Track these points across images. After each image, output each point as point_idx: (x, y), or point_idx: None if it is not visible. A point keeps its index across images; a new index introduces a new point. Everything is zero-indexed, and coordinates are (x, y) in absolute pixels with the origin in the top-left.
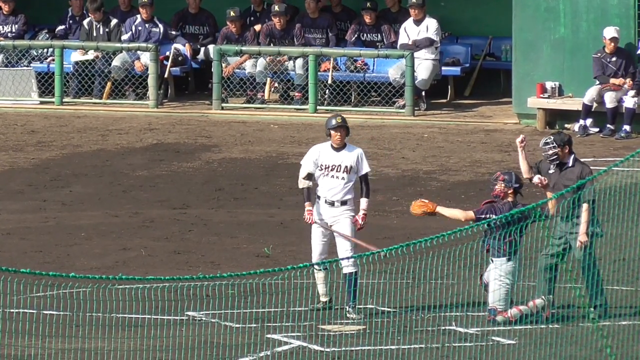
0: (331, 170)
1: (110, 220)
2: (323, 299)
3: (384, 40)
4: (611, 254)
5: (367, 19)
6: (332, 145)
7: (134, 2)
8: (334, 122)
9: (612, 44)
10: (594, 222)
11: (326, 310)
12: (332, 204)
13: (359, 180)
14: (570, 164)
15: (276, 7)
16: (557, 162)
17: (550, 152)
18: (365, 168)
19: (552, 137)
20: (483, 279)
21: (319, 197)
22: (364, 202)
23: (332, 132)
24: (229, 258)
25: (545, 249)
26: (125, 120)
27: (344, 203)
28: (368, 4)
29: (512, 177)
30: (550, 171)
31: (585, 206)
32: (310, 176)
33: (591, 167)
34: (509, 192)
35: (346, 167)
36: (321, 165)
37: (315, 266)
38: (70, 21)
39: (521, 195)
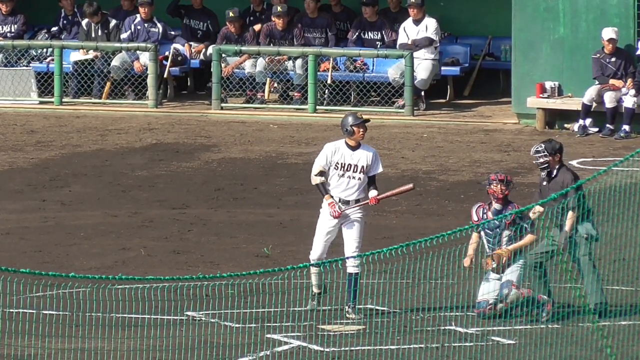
0: (347, 170)
1: (109, 220)
2: (316, 290)
3: (385, 38)
4: (611, 254)
5: (366, 14)
6: (348, 144)
7: (136, 2)
8: (351, 119)
9: (611, 45)
10: (585, 224)
11: (320, 305)
12: (346, 202)
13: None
14: (554, 174)
15: (278, 8)
16: (548, 170)
17: (541, 160)
18: (379, 168)
19: (542, 145)
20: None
21: (331, 196)
22: (374, 192)
23: (355, 128)
24: (229, 258)
25: (537, 248)
26: (125, 120)
27: (357, 202)
28: None
29: (506, 178)
30: (544, 183)
31: (570, 214)
32: (322, 173)
33: (576, 172)
34: (507, 192)
35: (362, 167)
36: (337, 164)
37: (311, 259)
38: (64, 21)
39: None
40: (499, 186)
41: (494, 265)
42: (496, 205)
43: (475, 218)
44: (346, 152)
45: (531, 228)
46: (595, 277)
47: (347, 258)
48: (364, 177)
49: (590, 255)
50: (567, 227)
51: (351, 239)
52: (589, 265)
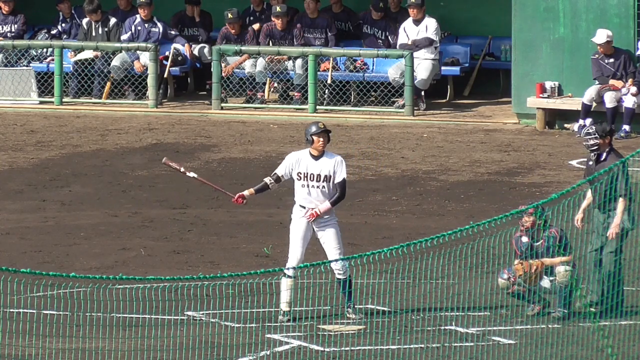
0: (310, 180)
1: (109, 220)
2: (285, 307)
3: (390, 40)
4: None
5: (374, 16)
6: (311, 154)
7: (133, 2)
8: (314, 128)
9: (602, 48)
10: (630, 218)
11: (290, 320)
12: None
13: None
14: (602, 158)
15: (278, 8)
16: (598, 152)
17: (591, 142)
18: (340, 175)
19: (593, 127)
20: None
21: (302, 207)
22: (325, 204)
23: (315, 137)
24: (229, 258)
25: (592, 245)
26: (125, 120)
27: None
28: (380, 4)
29: (539, 208)
30: (590, 162)
31: (620, 200)
32: (278, 179)
33: (622, 154)
34: (540, 222)
35: (325, 176)
36: (299, 174)
37: (286, 272)
38: (63, 24)
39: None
40: (524, 218)
41: (520, 273)
42: (523, 238)
43: (517, 250)
44: (309, 162)
45: (564, 250)
46: (617, 274)
47: (334, 261)
48: (330, 185)
49: (618, 250)
50: (618, 214)
51: (331, 247)
52: (611, 264)
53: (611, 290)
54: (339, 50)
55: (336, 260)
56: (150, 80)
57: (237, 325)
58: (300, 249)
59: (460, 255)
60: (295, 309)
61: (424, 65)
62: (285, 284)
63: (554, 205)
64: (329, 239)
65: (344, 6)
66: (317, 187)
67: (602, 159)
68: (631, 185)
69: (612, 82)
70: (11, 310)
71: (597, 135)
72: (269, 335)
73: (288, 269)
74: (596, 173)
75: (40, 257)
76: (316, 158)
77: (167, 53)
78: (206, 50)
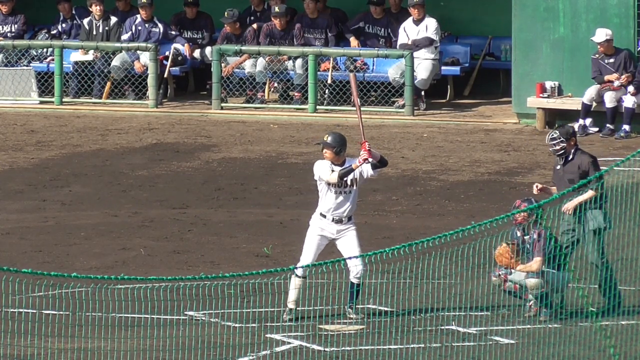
0: (344, 187)
1: (109, 220)
2: (291, 305)
3: (392, 36)
4: (613, 254)
5: (375, 13)
6: (333, 163)
7: (132, 2)
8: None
9: (602, 48)
10: (605, 217)
11: (292, 319)
12: (339, 220)
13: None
14: (570, 157)
15: (276, 9)
16: (565, 155)
17: (558, 147)
18: (370, 171)
19: (557, 132)
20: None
21: (323, 215)
22: (377, 154)
23: (324, 149)
24: (229, 258)
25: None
26: (125, 120)
27: (349, 219)
28: None
29: (532, 203)
30: (557, 167)
31: (589, 192)
32: (333, 171)
33: (593, 155)
34: (531, 218)
35: (354, 179)
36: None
37: (296, 271)
38: (63, 24)
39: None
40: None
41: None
42: (517, 232)
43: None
44: (337, 169)
45: (541, 252)
46: (607, 272)
47: (350, 258)
48: (355, 190)
49: (600, 251)
50: (579, 197)
51: (352, 252)
52: (600, 264)
53: (607, 293)
54: (339, 50)
55: (355, 265)
56: (151, 80)
57: (238, 325)
58: (312, 257)
59: (461, 255)
60: (297, 308)
61: (424, 65)
62: (294, 283)
63: (554, 205)
64: (349, 244)
65: (330, 8)
66: (350, 192)
67: (569, 159)
68: (605, 185)
69: (607, 77)
70: (12, 310)
71: (562, 139)
72: (269, 335)
73: (297, 268)
74: (579, 183)
75: (40, 257)
76: (340, 165)
77: (167, 53)
78: (207, 50)
